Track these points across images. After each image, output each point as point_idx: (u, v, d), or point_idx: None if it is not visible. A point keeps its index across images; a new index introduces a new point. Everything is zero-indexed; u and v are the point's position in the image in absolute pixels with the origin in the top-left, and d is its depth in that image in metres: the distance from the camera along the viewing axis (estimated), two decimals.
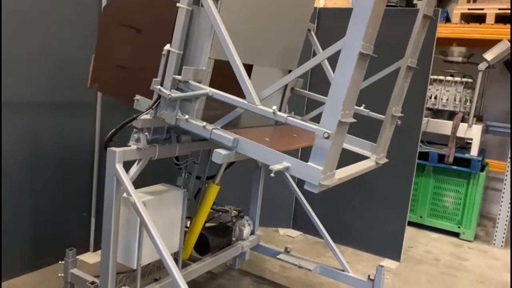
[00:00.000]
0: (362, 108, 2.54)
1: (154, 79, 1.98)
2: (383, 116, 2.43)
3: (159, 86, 1.96)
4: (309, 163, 1.72)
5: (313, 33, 2.69)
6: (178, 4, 1.92)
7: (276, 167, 1.73)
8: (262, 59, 2.38)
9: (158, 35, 2.02)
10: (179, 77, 1.92)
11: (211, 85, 1.98)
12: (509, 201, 4.27)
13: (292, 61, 2.62)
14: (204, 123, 1.94)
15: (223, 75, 2.04)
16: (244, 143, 1.86)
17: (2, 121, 2.63)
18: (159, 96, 1.99)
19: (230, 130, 1.94)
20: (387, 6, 4.89)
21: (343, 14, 3.00)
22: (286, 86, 2.67)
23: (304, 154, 2.76)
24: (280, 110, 2.70)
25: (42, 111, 2.84)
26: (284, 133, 2.36)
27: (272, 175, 1.71)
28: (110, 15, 2.26)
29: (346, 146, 2.46)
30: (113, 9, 2.25)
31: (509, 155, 4.24)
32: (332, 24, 3.70)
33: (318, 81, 3.66)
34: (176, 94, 1.93)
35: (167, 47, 1.95)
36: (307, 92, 2.84)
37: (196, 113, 2.00)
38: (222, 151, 1.86)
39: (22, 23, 2.64)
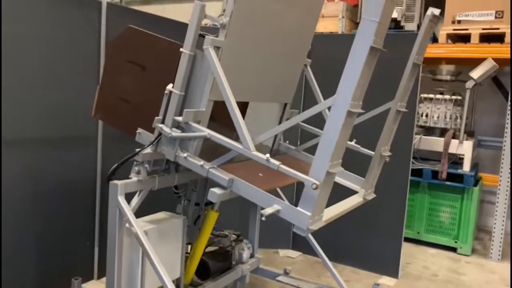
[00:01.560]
0: (353, 143, 2.64)
1: (156, 117, 2.11)
2: (373, 152, 2.53)
3: (161, 125, 2.09)
4: (298, 208, 1.84)
5: (309, 69, 2.80)
6: (181, 49, 2.05)
7: (268, 211, 1.86)
8: (260, 96, 2.51)
9: (161, 74, 2.15)
10: (180, 118, 2.05)
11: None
12: (504, 214, 4.36)
13: (289, 95, 2.75)
14: (202, 162, 2.06)
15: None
16: (239, 184, 1.98)
17: (6, 157, 2.73)
18: (160, 133, 2.11)
19: (225, 167, 2.05)
20: None
21: (332, 40, 3.14)
22: (281, 118, 2.80)
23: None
24: (275, 140, 2.82)
25: (44, 146, 2.94)
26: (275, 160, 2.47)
27: (263, 219, 1.83)
28: (117, 49, 2.37)
29: (336, 179, 2.55)
30: (120, 44, 2.36)
31: (501, 168, 4.34)
32: (320, 49, 3.85)
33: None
34: (176, 133, 2.05)
35: (170, 87, 2.08)
36: (301, 123, 2.94)
37: (195, 150, 2.11)
38: (217, 191, 1.99)
39: (22, 58, 2.74)
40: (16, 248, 2.84)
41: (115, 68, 2.37)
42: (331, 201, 2.05)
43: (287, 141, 2.90)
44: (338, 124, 1.72)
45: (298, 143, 3.75)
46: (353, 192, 2.59)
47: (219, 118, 2.29)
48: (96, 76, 3.20)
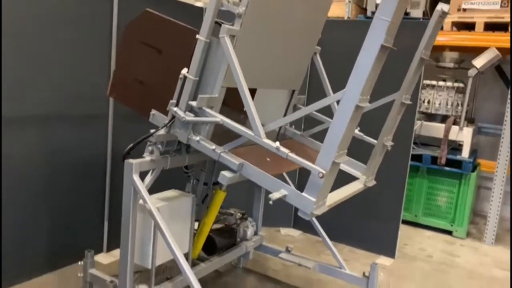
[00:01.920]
0: (357, 131, 2.71)
1: (170, 101, 2.20)
2: (375, 141, 2.62)
3: (175, 108, 2.18)
4: (304, 194, 1.95)
5: (318, 57, 2.86)
6: (197, 36, 2.12)
7: (275, 195, 1.97)
8: (270, 83, 2.59)
9: (176, 58, 2.22)
10: (194, 103, 2.14)
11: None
12: (499, 199, 4.49)
13: (297, 83, 2.83)
14: (214, 146, 2.16)
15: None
16: (248, 168, 2.09)
17: (22, 133, 2.84)
18: (174, 116, 2.21)
19: (236, 151, 2.16)
20: (372, 17, 5.11)
21: (338, 25, 3.20)
22: (288, 104, 2.89)
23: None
24: (282, 125, 2.91)
25: (58, 122, 3.04)
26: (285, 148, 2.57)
27: (270, 203, 1.95)
28: (133, 32, 2.42)
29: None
30: (136, 27, 2.41)
31: (498, 155, 4.45)
32: (325, 33, 3.91)
33: (315, 97, 3.84)
34: (190, 117, 2.15)
35: (184, 71, 2.16)
36: (307, 107, 3.03)
37: (207, 134, 2.21)
38: (227, 174, 2.10)
39: (36, 37, 2.82)
40: (30, 222, 2.98)
41: (131, 49, 2.43)
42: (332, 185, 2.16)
43: (293, 126, 3.00)
44: (346, 117, 1.81)
45: (303, 128, 3.86)
46: (353, 177, 2.70)
47: (228, 101, 2.38)
48: (108, 55, 3.28)
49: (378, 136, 2.61)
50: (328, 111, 2.62)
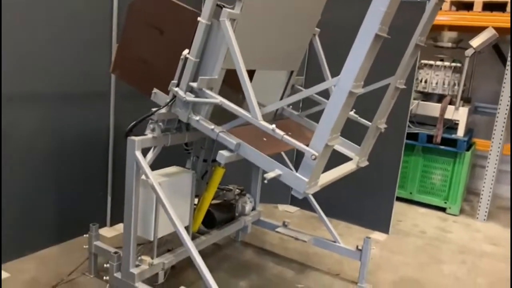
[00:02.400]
0: (352, 113, 2.78)
1: (172, 81, 2.27)
2: (370, 123, 2.68)
3: (176, 89, 2.26)
4: (297, 174, 2.04)
5: (317, 38, 2.89)
6: (199, 18, 2.17)
7: (270, 175, 2.06)
8: (269, 65, 2.65)
9: (178, 39, 2.28)
10: (194, 84, 2.21)
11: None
12: (492, 177, 4.59)
13: (296, 63, 2.88)
14: (213, 126, 2.24)
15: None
16: (245, 148, 2.17)
17: (26, 109, 2.92)
18: (174, 96, 2.28)
19: (234, 130, 2.25)
20: None
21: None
22: (287, 84, 2.95)
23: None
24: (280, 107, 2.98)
25: (61, 100, 3.12)
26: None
27: (265, 181, 2.05)
28: (136, 11, 2.47)
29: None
30: (139, 6, 2.45)
31: (493, 134, 4.53)
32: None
33: (313, 78, 3.89)
34: (190, 98, 2.22)
35: (185, 52, 2.22)
36: (305, 90, 3.08)
37: (206, 114, 2.29)
38: (225, 153, 2.18)
39: (37, 14, 2.87)
40: (36, 196, 3.09)
41: (134, 29, 2.48)
42: (326, 165, 2.25)
43: (290, 106, 3.07)
44: (340, 102, 1.89)
45: (300, 108, 3.93)
46: (347, 157, 2.78)
47: (228, 80, 2.45)
48: (109, 33, 3.33)
49: (372, 117, 2.68)
50: (325, 93, 2.69)
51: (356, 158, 2.73)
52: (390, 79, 2.59)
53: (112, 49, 3.34)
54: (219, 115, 2.34)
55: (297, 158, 4.26)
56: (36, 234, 3.14)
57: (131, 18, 2.51)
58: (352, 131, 2.70)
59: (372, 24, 1.79)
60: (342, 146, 2.80)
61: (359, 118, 2.81)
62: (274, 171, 2.08)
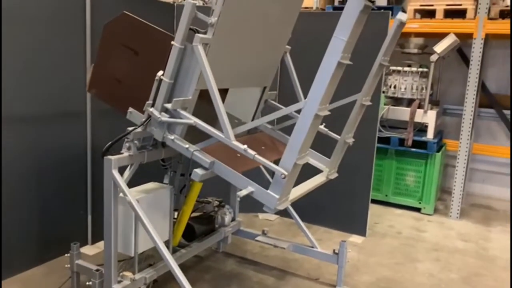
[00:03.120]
0: (322, 127, 2.89)
1: (147, 102, 2.34)
2: (339, 137, 2.81)
3: (151, 109, 2.34)
4: (268, 191, 2.16)
5: (288, 56, 3.01)
6: (172, 42, 2.26)
7: (242, 192, 2.19)
8: (243, 82, 2.75)
9: (152, 60, 2.36)
10: (169, 105, 2.29)
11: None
12: (462, 176, 4.78)
13: (269, 80, 2.99)
14: (187, 145, 2.33)
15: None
16: (219, 166, 2.27)
17: (3, 132, 2.94)
18: (150, 116, 2.36)
19: (209, 147, 2.34)
20: (339, 7, 5.29)
21: (306, 17, 3.36)
22: (260, 99, 3.05)
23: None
24: (253, 118, 3.09)
25: (38, 121, 3.15)
26: (254, 146, 2.72)
27: (237, 199, 2.15)
28: (111, 32, 2.53)
29: None
30: (114, 28, 2.52)
31: (460, 134, 4.72)
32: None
33: (286, 92, 4.00)
34: (165, 118, 2.31)
35: (160, 74, 2.31)
36: (278, 105, 3.16)
37: (181, 133, 2.38)
38: (199, 171, 2.28)
39: (10, 37, 2.90)
40: (16, 219, 3.11)
41: (109, 49, 2.54)
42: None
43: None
44: (306, 124, 2.01)
45: (275, 122, 4.04)
46: (316, 169, 2.90)
47: (205, 95, 2.52)
48: (83, 52, 3.39)
49: (341, 126, 2.79)
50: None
51: (326, 170, 2.85)
52: (356, 96, 2.71)
53: (86, 69, 3.40)
54: (195, 132, 2.42)
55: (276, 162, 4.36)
56: (18, 256, 3.15)
57: (106, 39, 2.57)
58: (322, 143, 2.81)
59: (335, 53, 1.92)
60: (313, 158, 2.91)
61: (329, 132, 2.93)
62: (247, 188, 2.18)
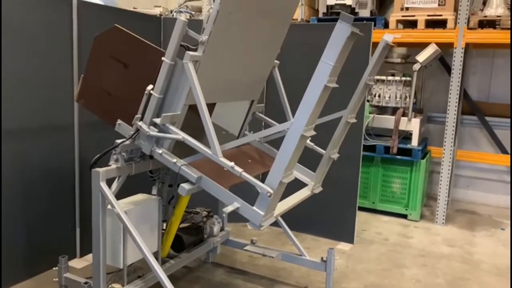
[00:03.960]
0: (308, 141, 2.92)
1: (136, 115, 2.37)
2: (324, 151, 2.86)
3: (139, 123, 2.36)
4: (254, 207, 2.21)
5: (277, 70, 3.06)
6: (163, 58, 2.29)
7: (228, 209, 2.23)
8: (232, 97, 2.79)
9: (142, 74, 2.38)
10: (158, 120, 2.32)
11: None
12: (447, 182, 4.87)
13: (256, 93, 3.04)
14: (175, 160, 2.36)
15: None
16: (206, 181, 2.31)
17: None
18: (138, 129, 2.38)
19: (196, 161, 2.37)
20: (329, 19, 5.39)
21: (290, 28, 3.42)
22: (248, 111, 3.10)
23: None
24: (241, 130, 3.13)
25: (24, 133, 3.15)
26: (241, 159, 2.78)
27: (224, 215, 2.18)
28: (102, 44, 2.55)
29: None
30: (105, 40, 2.54)
31: (444, 141, 4.82)
32: None
33: (272, 104, 4.05)
34: (153, 132, 2.34)
35: (149, 88, 2.34)
36: (265, 117, 3.22)
37: (169, 147, 2.40)
38: (186, 186, 2.31)
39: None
40: (4, 233, 3.09)
41: (99, 61, 2.56)
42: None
43: (251, 131, 3.21)
44: (292, 144, 2.07)
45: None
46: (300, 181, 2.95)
47: (195, 108, 2.56)
48: (70, 65, 3.40)
49: (326, 141, 2.83)
50: (284, 119, 2.93)
51: (311, 184, 2.90)
52: (342, 112, 2.76)
53: (73, 82, 3.42)
54: (183, 145, 2.45)
55: (263, 176, 4.40)
56: (6, 271, 3.13)
57: (96, 50, 2.58)
58: (307, 156, 2.85)
59: (322, 77, 1.99)
60: (298, 171, 2.96)
61: (314, 146, 2.98)
62: (233, 204, 2.22)
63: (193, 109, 2.47)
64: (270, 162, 2.92)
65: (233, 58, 2.53)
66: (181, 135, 2.30)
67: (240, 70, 2.68)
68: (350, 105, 2.72)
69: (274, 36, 2.80)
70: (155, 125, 2.37)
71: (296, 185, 2.81)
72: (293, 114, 3.01)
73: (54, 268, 2.89)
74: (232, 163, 2.19)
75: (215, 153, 2.23)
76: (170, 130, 2.33)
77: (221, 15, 2.23)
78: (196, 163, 2.39)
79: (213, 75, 2.44)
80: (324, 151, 2.88)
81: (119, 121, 2.51)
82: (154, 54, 2.37)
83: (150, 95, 2.35)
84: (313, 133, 2.14)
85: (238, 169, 2.19)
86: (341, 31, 1.93)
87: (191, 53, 2.24)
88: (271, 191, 2.12)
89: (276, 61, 3.04)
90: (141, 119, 2.40)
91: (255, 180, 2.20)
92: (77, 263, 3.59)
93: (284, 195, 2.46)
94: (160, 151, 2.39)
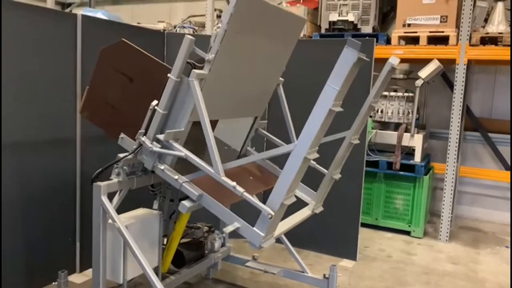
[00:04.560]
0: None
1: (139, 130, 2.37)
2: (326, 171, 2.84)
3: (143, 138, 2.36)
4: (254, 228, 2.19)
5: (281, 88, 3.06)
6: (169, 75, 2.30)
7: (229, 228, 2.21)
8: (236, 113, 2.79)
9: (147, 89, 2.38)
10: (161, 137, 2.32)
11: None
12: (450, 199, 4.83)
13: (260, 110, 3.04)
14: (177, 176, 2.35)
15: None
16: (207, 199, 2.30)
17: None
18: (141, 144, 2.38)
19: (198, 178, 2.36)
20: (331, 35, 5.40)
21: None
22: (251, 127, 3.09)
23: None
24: (243, 146, 3.12)
25: (26, 146, 3.14)
26: (242, 176, 2.76)
27: (224, 235, 2.16)
28: (108, 58, 2.56)
29: None
30: (111, 53, 2.55)
31: (447, 158, 4.80)
32: None
33: (275, 120, 4.04)
34: (156, 148, 2.33)
35: (154, 103, 2.34)
36: (268, 134, 3.20)
37: (171, 163, 2.40)
38: (187, 203, 2.30)
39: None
40: (4, 247, 3.07)
41: (104, 74, 2.56)
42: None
43: (254, 148, 3.21)
44: (295, 167, 2.06)
45: (264, 150, 4.08)
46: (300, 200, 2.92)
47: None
48: (73, 80, 3.42)
49: (328, 159, 2.80)
50: (287, 136, 2.93)
51: (312, 204, 2.88)
52: (345, 133, 2.75)
53: (76, 96, 3.43)
54: (185, 161, 2.43)
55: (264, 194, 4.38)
56: (6, 285, 3.09)
57: (102, 63, 2.59)
58: (309, 174, 2.83)
59: (327, 101, 1.99)
60: (299, 190, 2.94)
61: (316, 165, 2.96)
62: (233, 224, 2.21)
63: (195, 124, 2.47)
64: (272, 180, 2.91)
65: (238, 76, 2.53)
66: (184, 152, 2.29)
67: (245, 87, 2.68)
68: (353, 126, 2.70)
69: (280, 55, 2.81)
70: (158, 141, 2.36)
71: (296, 203, 2.78)
72: (296, 131, 3.03)
73: (53, 283, 2.87)
74: (234, 183, 2.19)
75: (217, 172, 2.23)
76: (173, 147, 2.33)
77: (228, 35, 2.23)
78: (197, 180, 2.38)
79: (217, 92, 2.44)
80: (326, 170, 2.85)
81: (122, 135, 2.51)
82: (160, 70, 2.37)
83: (154, 110, 2.35)
84: (316, 155, 2.14)
85: (240, 189, 2.19)
86: (348, 57, 1.94)
87: (197, 71, 2.24)
88: (272, 213, 2.11)
89: (280, 79, 3.05)
90: (145, 134, 2.39)
91: (256, 201, 2.19)
92: (76, 278, 3.55)
93: (285, 214, 2.44)
94: (162, 167, 2.38)
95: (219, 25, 5.90)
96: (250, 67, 2.59)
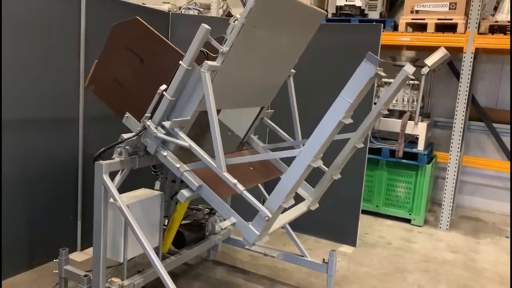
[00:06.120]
0: None
1: (145, 114, 2.35)
2: (327, 169, 2.81)
3: (148, 122, 2.34)
4: (250, 225, 2.20)
5: (291, 79, 3.00)
6: (180, 62, 2.25)
7: (225, 224, 2.22)
8: (244, 103, 2.76)
9: (157, 72, 2.34)
10: (167, 124, 2.30)
11: None
12: (452, 188, 4.82)
13: (268, 100, 3.00)
14: (178, 164, 2.33)
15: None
16: (206, 191, 2.30)
17: None
18: (145, 127, 2.36)
19: (199, 168, 2.35)
20: (338, 19, 5.36)
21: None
22: (257, 116, 3.06)
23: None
24: (247, 133, 3.10)
25: (29, 125, 3.15)
26: (243, 166, 2.72)
27: (219, 230, 2.15)
28: (119, 35, 2.49)
29: None
30: (123, 30, 2.48)
31: (450, 147, 4.78)
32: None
33: (279, 109, 4.01)
34: (161, 134, 2.32)
35: (163, 88, 2.30)
36: (273, 124, 3.16)
37: (174, 150, 2.38)
38: (186, 193, 2.31)
39: (4, 43, 2.92)
40: (6, 223, 3.09)
41: (115, 51, 2.51)
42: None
43: (257, 136, 3.19)
44: (298, 172, 2.05)
45: (267, 139, 4.06)
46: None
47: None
48: (77, 59, 3.40)
49: (329, 157, 2.75)
50: (292, 129, 2.91)
51: (308, 200, 2.87)
52: (350, 135, 2.69)
53: (80, 75, 3.42)
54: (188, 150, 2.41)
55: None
56: (7, 261, 3.12)
57: (113, 39, 2.52)
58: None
59: (338, 112, 1.96)
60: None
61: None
62: (229, 219, 2.21)
63: (201, 111, 2.46)
64: (272, 171, 2.90)
65: (250, 68, 2.49)
66: (188, 143, 2.28)
67: (256, 79, 2.64)
68: (359, 130, 2.64)
69: (294, 48, 2.76)
70: (163, 127, 2.34)
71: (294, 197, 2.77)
72: (300, 120, 3.00)
73: (54, 260, 2.88)
74: (235, 181, 2.19)
75: (220, 167, 2.22)
76: (178, 136, 2.31)
77: (245, 28, 2.19)
78: (199, 170, 2.37)
79: (227, 83, 2.40)
80: (326, 168, 2.82)
81: (127, 114, 2.49)
82: (171, 54, 2.32)
83: (162, 95, 2.33)
84: (320, 163, 2.13)
85: (240, 187, 2.19)
86: (365, 71, 1.90)
87: (210, 63, 2.19)
88: (270, 215, 2.12)
89: (292, 70, 3.00)
90: (150, 118, 2.37)
91: (255, 201, 2.19)
92: (77, 256, 3.58)
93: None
94: (165, 153, 2.37)
95: (225, 8, 5.82)
96: (263, 60, 2.55)
